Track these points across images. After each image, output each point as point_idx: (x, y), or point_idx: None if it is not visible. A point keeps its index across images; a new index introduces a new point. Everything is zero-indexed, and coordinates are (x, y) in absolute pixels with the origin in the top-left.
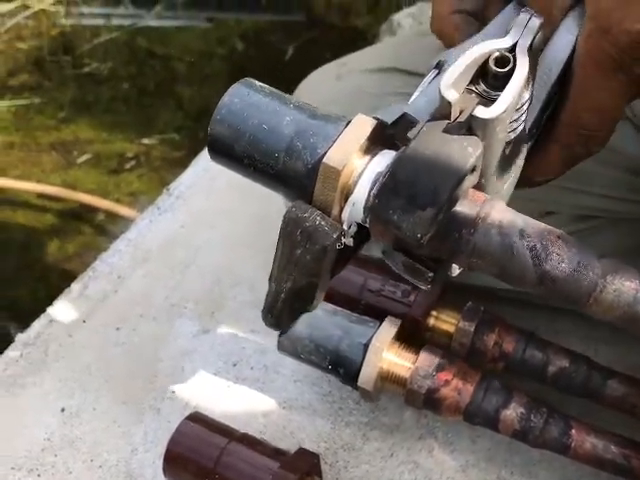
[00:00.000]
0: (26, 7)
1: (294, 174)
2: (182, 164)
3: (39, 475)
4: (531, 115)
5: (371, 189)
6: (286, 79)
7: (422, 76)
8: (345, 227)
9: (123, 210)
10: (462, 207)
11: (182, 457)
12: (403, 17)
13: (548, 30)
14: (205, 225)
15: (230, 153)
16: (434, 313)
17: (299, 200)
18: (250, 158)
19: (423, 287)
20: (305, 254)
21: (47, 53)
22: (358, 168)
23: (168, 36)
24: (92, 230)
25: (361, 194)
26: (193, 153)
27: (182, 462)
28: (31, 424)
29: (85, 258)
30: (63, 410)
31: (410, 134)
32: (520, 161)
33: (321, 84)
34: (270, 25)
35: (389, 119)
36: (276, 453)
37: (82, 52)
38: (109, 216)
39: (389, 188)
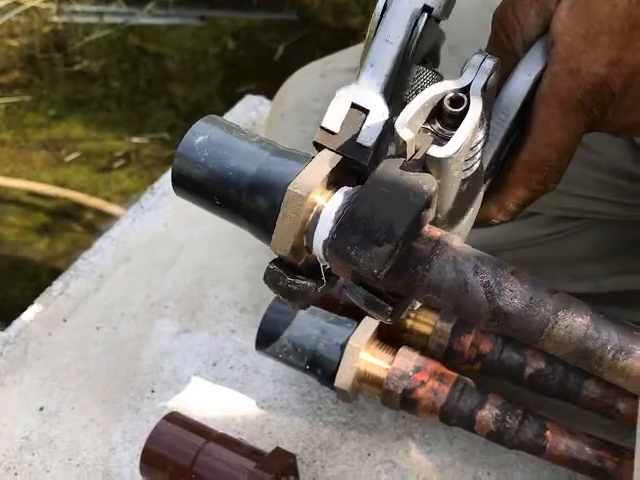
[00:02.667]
0: (18, 4)
1: (257, 210)
2: (171, 163)
3: (16, 474)
4: (489, 153)
5: (331, 226)
6: (276, 78)
7: None
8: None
9: (113, 208)
10: (418, 243)
11: (159, 456)
12: None
13: (510, 62)
14: (188, 224)
15: (194, 189)
16: (412, 314)
17: (270, 266)
18: (213, 194)
19: (384, 321)
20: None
21: (39, 50)
22: (318, 204)
23: (160, 34)
24: (82, 228)
25: (321, 230)
26: None
27: (159, 461)
28: (9, 422)
29: (74, 256)
30: (42, 409)
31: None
32: (478, 197)
33: (306, 82)
34: (262, 24)
35: (338, 119)
36: (253, 453)
37: (74, 50)
38: (99, 214)
39: (347, 224)
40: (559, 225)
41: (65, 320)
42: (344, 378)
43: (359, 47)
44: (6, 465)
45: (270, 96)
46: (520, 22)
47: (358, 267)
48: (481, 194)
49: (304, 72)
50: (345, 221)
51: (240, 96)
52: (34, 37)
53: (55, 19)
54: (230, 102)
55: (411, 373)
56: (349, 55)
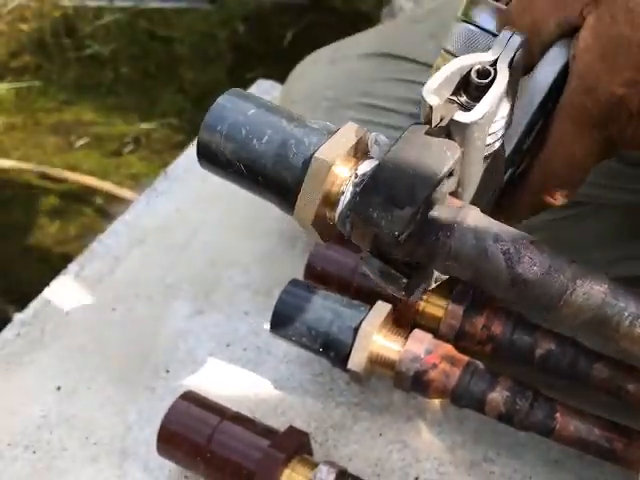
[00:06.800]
0: None
1: (281, 181)
2: (182, 147)
3: (34, 452)
4: (511, 140)
5: (354, 192)
6: (287, 61)
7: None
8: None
9: (124, 192)
10: (440, 211)
11: (175, 435)
12: (404, 1)
13: (528, 62)
14: (201, 207)
15: (218, 161)
16: (424, 296)
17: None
18: (238, 166)
19: (398, 295)
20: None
21: (49, 35)
22: (343, 173)
23: (170, 18)
24: (93, 212)
25: (345, 196)
26: (194, 136)
27: (175, 439)
28: (28, 402)
29: (86, 240)
30: (59, 388)
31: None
32: (496, 185)
33: (315, 69)
34: (272, 7)
35: None
36: (267, 431)
37: (84, 34)
38: (110, 198)
39: (370, 188)
40: (565, 210)
41: (81, 301)
42: (357, 360)
43: (366, 33)
44: (25, 443)
45: (280, 81)
46: (537, 26)
47: (380, 229)
48: (499, 182)
49: (313, 59)
50: (368, 184)
51: (249, 81)
52: (44, 21)
53: (66, 3)
54: (239, 87)
55: (423, 356)
56: (357, 41)
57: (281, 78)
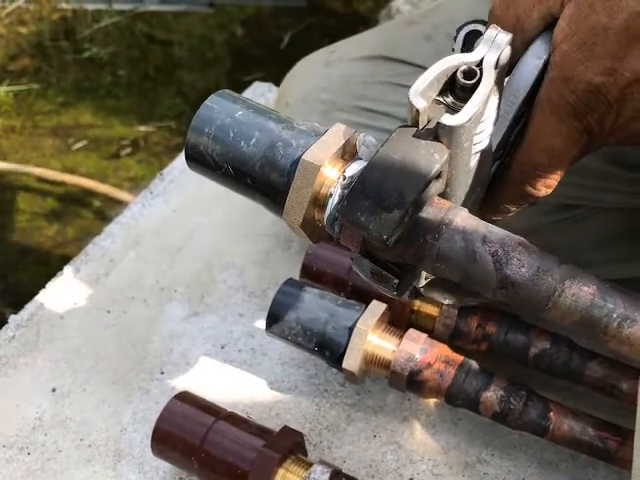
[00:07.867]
0: None
1: (270, 183)
2: (181, 150)
3: (29, 453)
4: (498, 134)
5: (342, 194)
6: (285, 64)
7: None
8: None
9: (122, 195)
10: (427, 213)
11: (170, 434)
12: (402, 3)
13: (512, 58)
14: (197, 210)
15: (206, 163)
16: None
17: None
18: (226, 167)
19: (389, 295)
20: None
21: (48, 38)
22: (331, 175)
23: (168, 21)
24: (91, 214)
25: (333, 199)
26: None
27: (170, 439)
28: (22, 403)
29: (84, 242)
30: (54, 390)
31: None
32: (485, 179)
33: (310, 71)
34: (271, 11)
35: None
36: (261, 431)
37: (83, 37)
38: (108, 201)
39: (358, 191)
40: (561, 213)
41: (76, 304)
42: (352, 360)
43: (361, 36)
44: (19, 445)
45: (277, 83)
46: (520, 21)
47: (368, 233)
48: (487, 177)
49: (309, 61)
50: (356, 188)
51: (247, 84)
52: (43, 24)
53: (64, 6)
54: (237, 90)
55: (418, 355)
56: (352, 44)
57: (279, 81)
